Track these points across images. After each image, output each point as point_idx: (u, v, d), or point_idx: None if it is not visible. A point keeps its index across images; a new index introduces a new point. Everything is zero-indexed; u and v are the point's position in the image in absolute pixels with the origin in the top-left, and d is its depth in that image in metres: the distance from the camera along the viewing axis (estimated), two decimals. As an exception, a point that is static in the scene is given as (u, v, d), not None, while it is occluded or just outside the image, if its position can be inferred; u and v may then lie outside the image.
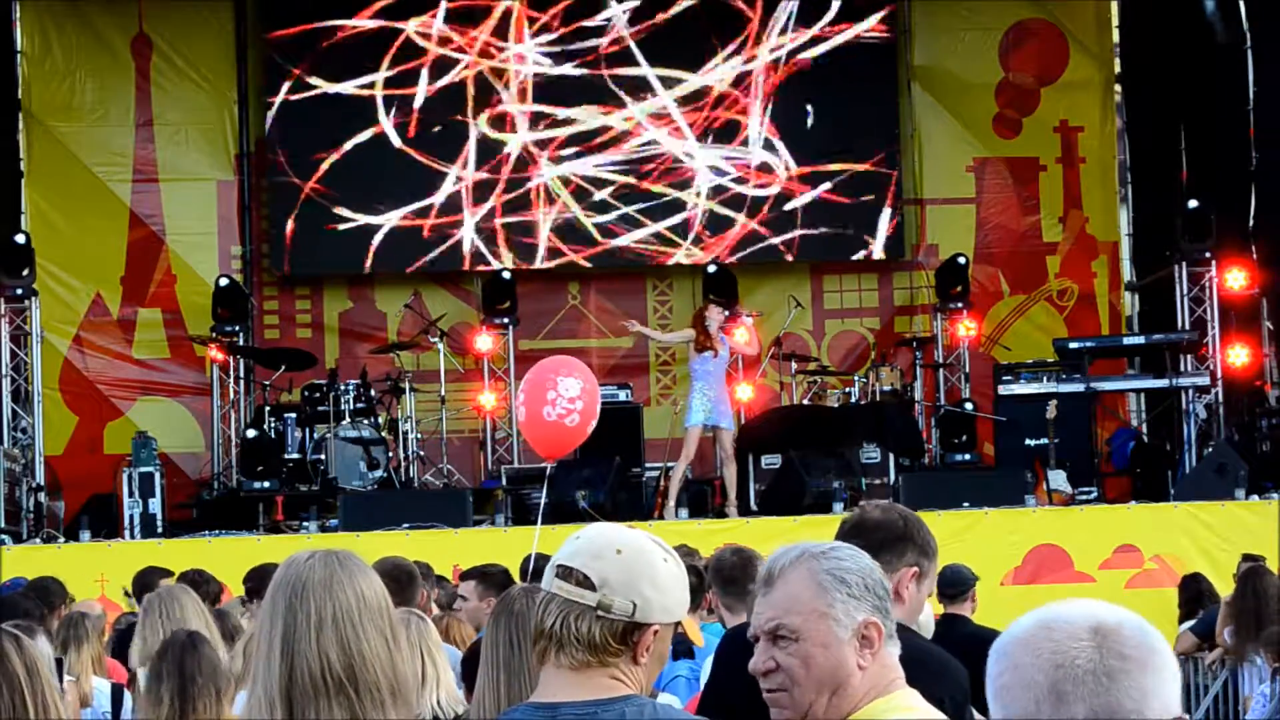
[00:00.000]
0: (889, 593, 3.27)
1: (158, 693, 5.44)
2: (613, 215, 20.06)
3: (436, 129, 20.01)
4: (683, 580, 3.42)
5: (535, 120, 20.06)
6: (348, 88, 19.93)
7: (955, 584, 9.71)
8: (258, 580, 9.83)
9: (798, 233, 20.11)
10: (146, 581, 10.92)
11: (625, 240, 20.07)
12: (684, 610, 3.41)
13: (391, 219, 19.94)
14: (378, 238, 19.92)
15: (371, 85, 19.95)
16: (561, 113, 20.04)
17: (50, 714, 4.48)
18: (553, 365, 10.77)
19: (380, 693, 3.44)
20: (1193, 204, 18.51)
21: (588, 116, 20.06)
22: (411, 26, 19.97)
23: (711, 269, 19.53)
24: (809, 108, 20.16)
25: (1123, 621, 2.51)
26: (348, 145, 19.92)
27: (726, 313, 17.19)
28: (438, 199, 19.99)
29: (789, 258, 20.24)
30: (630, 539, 3.39)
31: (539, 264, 20.11)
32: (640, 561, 3.35)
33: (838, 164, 20.07)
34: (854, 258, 20.34)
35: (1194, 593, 12.21)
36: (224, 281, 19.20)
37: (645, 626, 3.32)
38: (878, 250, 20.25)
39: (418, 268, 20.04)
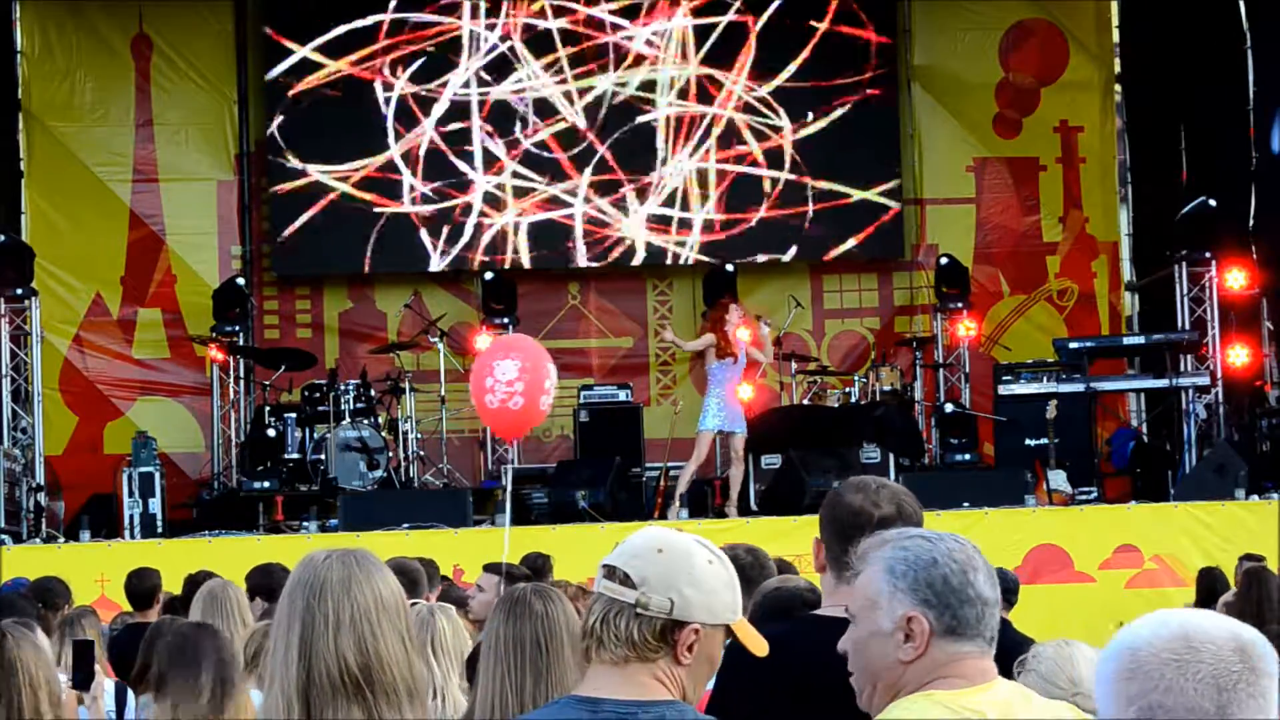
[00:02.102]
0: (961, 588, 3.17)
1: (196, 683, 5.30)
2: (614, 215, 20.06)
3: (439, 126, 20.00)
4: (730, 582, 3.40)
5: (537, 118, 20.08)
6: (347, 84, 19.94)
7: (1004, 592, 9.74)
8: (260, 579, 9.83)
9: (797, 233, 20.13)
10: (143, 585, 10.90)
11: (627, 240, 20.08)
12: (731, 613, 3.39)
13: (391, 218, 19.93)
14: (377, 237, 19.92)
15: (371, 80, 19.95)
16: (565, 114, 20.07)
17: (47, 716, 4.47)
18: (490, 351, 10.78)
19: (397, 694, 3.45)
20: (1212, 203, 18.41)
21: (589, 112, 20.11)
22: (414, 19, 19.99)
23: (730, 268, 19.55)
24: (809, 112, 20.17)
25: (1255, 638, 2.66)
26: (349, 144, 19.93)
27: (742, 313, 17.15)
28: (439, 198, 19.98)
29: (789, 258, 20.25)
30: (674, 539, 3.39)
31: (539, 264, 20.12)
32: (681, 561, 3.35)
33: (837, 170, 20.10)
34: (853, 257, 20.37)
35: (1211, 589, 12.13)
36: (240, 281, 19.22)
37: (684, 625, 3.32)
38: (877, 250, 20.30)
39: (418, 267, 20.04)
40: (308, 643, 3.43)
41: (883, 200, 20.19)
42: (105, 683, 7.41)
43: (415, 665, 3.50)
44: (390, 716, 3.43)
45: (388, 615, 3.47)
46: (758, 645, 3.44)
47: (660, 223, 20.11)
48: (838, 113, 20.14)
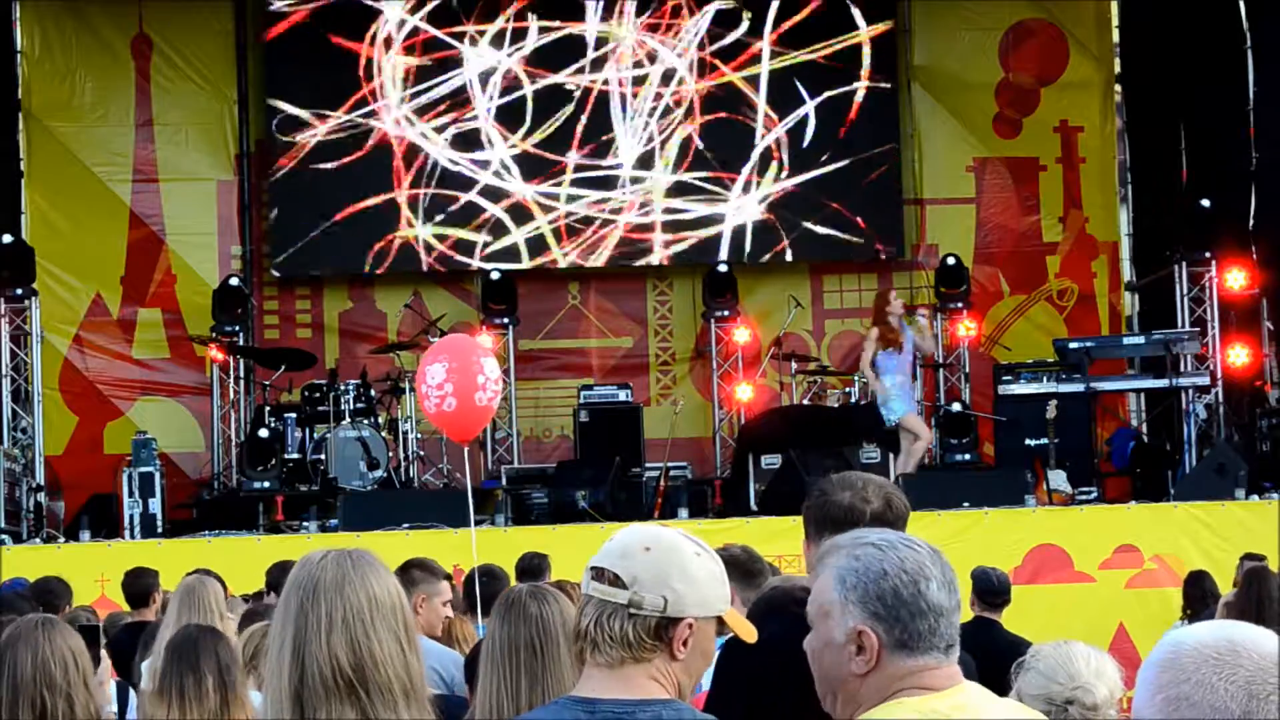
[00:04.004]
0: (912, 600, 3.09)
1: (197, 684, 5.29)
2: (615, 215, 20.07)
3: (439, 127, 20.01)
4: (718, 574, 3.42)
5: (535, 121, 20.10)
6: (347, 92, 19.97)
7: (989, 594, 9.79)
8: (278, 574, 9.80)
9: (798, 232, 20.13)
10: (139, 584, 10.89)
11: (627, 239, 20.09)
12: (723, 604, 3.41)
13: (392, 218, 19.94)
14: (377, 237, 19.92)
15: (369, 82, 19.97)
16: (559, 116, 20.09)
17: (77, 711, 4.49)
18: (424, 357, 10.53)
19: (393, 694, 3.45)
20: (1205, 203, 18.42)
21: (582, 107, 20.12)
22: (410, 28, 20.00)
23: (723, 269, 19.57)
24: (809, 109, 20.17)
25: None
26: (351, 144, 19.94)
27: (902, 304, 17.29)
28: (440, 197, 19.99)
29: (789, 258, 20.26)
30: (659, 536, 3.41)
31: (538, 264, 20.12)
32: (669, 557, 3.36)
33: (837, 165, 20.09)
34: (853, 257, 20.37)
35: (1200, 591, 12.14)
36: (235, 281, 19.22)
37: (678, 621, 3.34)
38: (876, 250, 20.31)
39: (417, 268, 20.04)
40: (300, 644, 3.43)
41: (882, 200, 20.20)
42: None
43: (412, 665, 3.49)
44: (385, 716, 3.43)
45: (382, 615, 3.47)
46: (748, 633, 3.45)
47: (660, 223, 20.10)
48: (837, 112, 20.14)
